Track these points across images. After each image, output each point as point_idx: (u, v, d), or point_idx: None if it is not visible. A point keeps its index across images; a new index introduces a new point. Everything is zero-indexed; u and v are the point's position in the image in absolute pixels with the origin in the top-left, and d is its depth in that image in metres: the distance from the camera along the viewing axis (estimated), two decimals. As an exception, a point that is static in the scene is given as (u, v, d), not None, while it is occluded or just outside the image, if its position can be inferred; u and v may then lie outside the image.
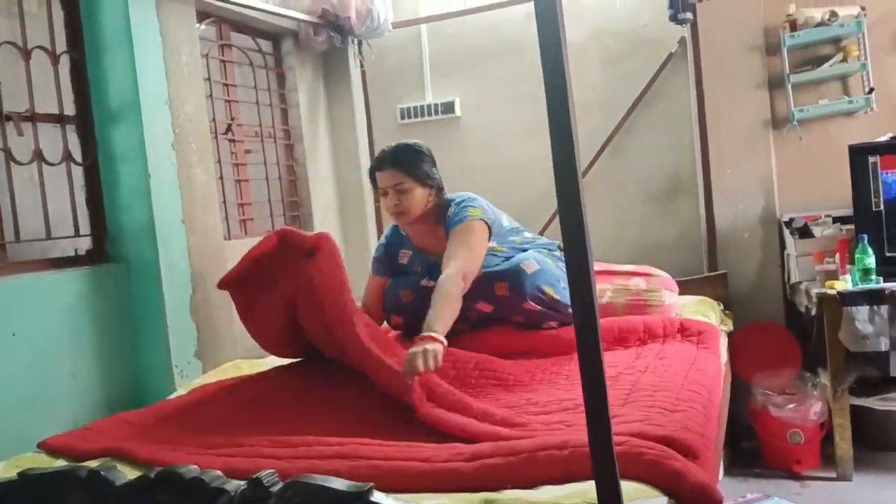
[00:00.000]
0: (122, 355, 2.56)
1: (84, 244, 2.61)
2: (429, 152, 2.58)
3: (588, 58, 3.68)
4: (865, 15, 3.26)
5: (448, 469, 1.48)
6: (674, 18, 3.23)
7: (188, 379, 2.62)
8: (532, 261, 2.50)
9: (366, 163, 4.02)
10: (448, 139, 3.97)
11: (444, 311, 2.16)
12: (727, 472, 3.07)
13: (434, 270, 2.52)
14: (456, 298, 2.24)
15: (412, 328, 2.41)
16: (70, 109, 2.57)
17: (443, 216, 2.54)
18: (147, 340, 2.61)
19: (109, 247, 2.63)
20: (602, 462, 1.05)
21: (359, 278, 3.96)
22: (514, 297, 2.45)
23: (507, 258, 2.53)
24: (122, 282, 2.58)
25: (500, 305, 2.48)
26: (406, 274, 2.67)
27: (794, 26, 3.34)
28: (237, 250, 3.10)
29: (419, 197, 2.51)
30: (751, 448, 3.26)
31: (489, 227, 2.49)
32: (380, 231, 4.08)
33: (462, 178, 3.94)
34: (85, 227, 2.60)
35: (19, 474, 1.53)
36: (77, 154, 2.57)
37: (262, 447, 1.76)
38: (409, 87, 4.06)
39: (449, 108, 3.95)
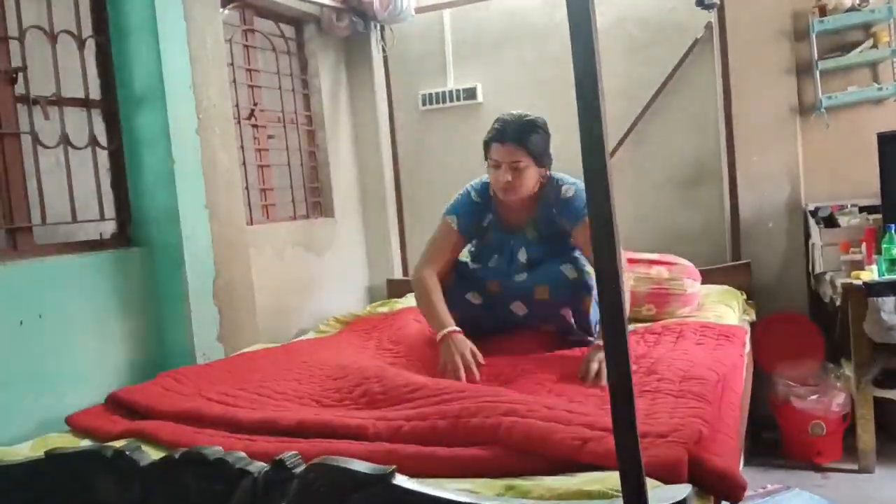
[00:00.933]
0: (146, 339, 2.58)
1: (108, 228, 2.63)
2: (545, 128, 2.43)
3: (613, 44, 3.64)
4: (897, 0, 3.20)
5: (468, 456, 1.49)
6: (700, 3, 3.18)
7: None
8: (572, 267, 2.44)
9: (387, 149, 4.03)
10: (470, 125, 3.95)
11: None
12: (748, 463, 3.05)
13: (495, 249, 2.55)
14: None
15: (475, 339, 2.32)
16: (96, 94, 2.59)
17: (547, 195, 2.46)
18: (170, 324, 2.63)
19: (133, 231, 2.66)
20: (627, 454, 1.04)
21: (378, 268, 4.00)
22: (553, 302, 2.41)
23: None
24: (146, 266, 2.61)
25: (536, 311, 2.45)
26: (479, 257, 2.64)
27: (823, 11, 3.28)
28: (259, 235, 3.14)
29: (533, 177, 2.41)
30: (772, 439, 3.24)
31: None
32: (400, 219, 4.08)
33: (484, 165, 3.94)
34: (110, 211, 2.62)
35: (46, 453, 1.56)
36: (102, 138, 2.59)
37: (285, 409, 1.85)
38: (431, 73, 4.05)
39: (471, 94, 3.93)
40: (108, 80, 2.62)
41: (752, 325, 3.13)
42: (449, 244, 2.56)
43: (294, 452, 1.32)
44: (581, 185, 2.38)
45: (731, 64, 3.40)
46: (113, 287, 2.47)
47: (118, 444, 1.58)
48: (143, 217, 2.65)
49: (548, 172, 2.47)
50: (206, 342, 2.67)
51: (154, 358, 2.60)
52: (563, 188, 2.45)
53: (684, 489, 1.20)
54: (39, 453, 1.61)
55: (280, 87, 3.54)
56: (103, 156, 2.61)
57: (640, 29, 3.63)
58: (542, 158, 2.40)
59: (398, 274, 4.03)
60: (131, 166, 2.65)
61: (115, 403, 2.08)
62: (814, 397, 3.06)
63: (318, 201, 3.76)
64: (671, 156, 3.63)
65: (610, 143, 3.57)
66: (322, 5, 3.58)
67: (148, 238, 2.64)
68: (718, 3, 3.23)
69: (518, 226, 2.54)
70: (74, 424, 1.98)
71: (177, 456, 1.40)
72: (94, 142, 2.55)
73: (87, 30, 2.57)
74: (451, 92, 3.96)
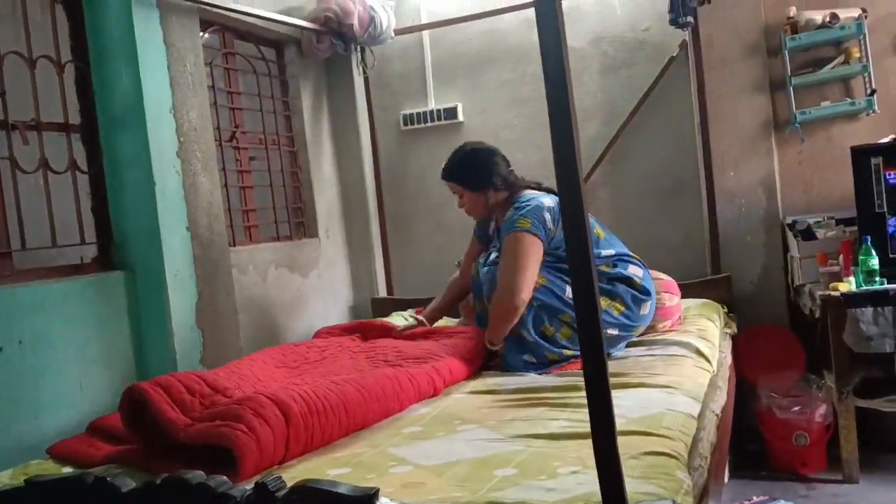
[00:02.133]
0: (128, 363, 2.57)
1: (89, 252, 2.63)
2: (482, 155, 2.77)
3: (589, 63, 3.69)
4: (866, 17, 3.27)
5: None
6: (674, 22, 3.24)
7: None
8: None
9: (369, 169, 4.05)
10: (451, 145, 3.91)
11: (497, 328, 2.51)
12: (733, 475, 3.07)
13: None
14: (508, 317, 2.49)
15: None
16: (75, 118, 2.59)
17: (508, 209, 2.68)
18: (152, 348, 2.62)
19: (115, 254, 2.65)
20: (608, 469, 1.05)
21: (362, 287, 4.01)
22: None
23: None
24: (128, 289, 2.60)
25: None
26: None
27: (795, 29, 3.34)
28: (242, 257, 3.14)
29: (477, 201, 2.76)
30: (757, 451, 3.25)
31: (542, 238, 2.56)
32: (384, 238, 4.10)
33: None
34: (90, 234, 2.61)
35: (26, 481, 1.54)
36: (82, 162, 2.59)
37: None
38: (411, 94, 4.08)
39: (451, 113, 3.96)
40: (88, 104, 2.62)
41: (734, 337, 3.16)
42: (472, 250, 3.05)
43: (277, 476, 1.32)
44: (526, 202, 2.61)
45: (707, 81, 3.45)
46: (94, 311, 2.46)
47: (99, 470, 1.57)
48: (125, 240, 2.64)
49: (504, 188, 2.74)
50: (189, 365, 2.65)
51: (135, 382, 2.57)
52: (514, 206, 2.65)
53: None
54: (19, 481, 1.59)
55: (261, 109, 3.55)
56: (83, 180, 2.61)
57: (616, 48, 3.68)
58: (473, 184, 2.76)
59: (382, 293, 4.04)
60: (112, 190, 2.65)
61: (97, 431, 2.06)
62: (796, 408, 3.09)
63: (301, 222, 3.76)
64: (650, 171, 3.67)
65: (590, 159, 3.66)
66: (302, 28, 3.61)
67: (129, 261, 2.63)
68: (692, 21, 3.29)
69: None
70: (55, 453, 1.95)
71: (158, 482, 1.39)
72: (73, 166, 2.55)
73: (66, 54, 2.57)
74: (431, 112, 3.99)
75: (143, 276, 2.62)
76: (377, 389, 2.02)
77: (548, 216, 2.58)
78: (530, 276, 2.49)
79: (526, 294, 2.47)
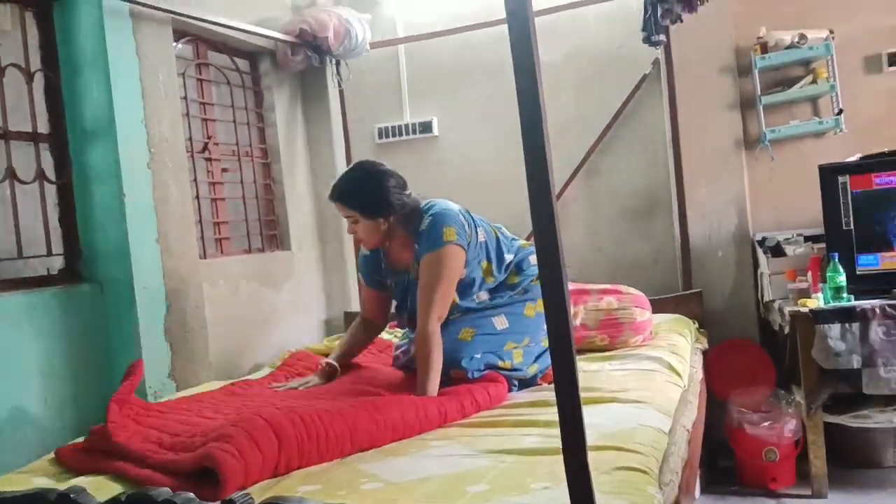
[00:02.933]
0: (94, 377, 2.52)
1: (56, 264, 2.58)
2: (377, 176, 2.40)
3: (563, 79, 3.73)
4: (833, 38, 3.34)
5: None
6: (647, 40, 3.28)
7: (162, 401, 2.59)
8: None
9: (343, 182, 4.03)
10: (426, 158, 3.99)
11: (425, 379, 2.21)
12: (704, 490, 3.09)
13: (399, 292, 2.55)
14: (431, 361, 2.23)
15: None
16: (44, 128, 2.55)
17: (413, 228, 2.41)
18: (120, 362, 2.56)
19: (82, 267, 2.60)
20: (579, 485, 1.05)
21: (336, 301, 3.98)
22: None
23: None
24: (95, 302, 2.55)
25: None
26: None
27: (764, 48, 3.41)
28: (213, 269, 3.10)
29: (370, 227, 2.40)
30: (728, 466, 3.27)
31: (465, 249, 2.35)
32: (356, 252, 4.07)
33: (440, 197, 3.96)
34: (58, 246, 2.56)
35: (-14, 498, 1.50)
36: (51, 172, 2.55)
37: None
38: (387, 107, 4.08)
39: (427, 127, 3.97)
40: (58, 113, 2.58)
41: (705, 353, 3.19)
42: (366, 297, 2.71)
43: (244, 492, 1.30)
44: (439, 211, 2.36)
45: (679, 98, 3.50)
46: (60, 324, 2.41)
47: (64, 486, 1.53)
48: (93, 252, 2.60)
49: (399, 213, 2.41)
50: (158, 379, 2.61)
51: (103, 397, 2.52)
52: (424, 221, 2.38)
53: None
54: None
55: (235, 121, 3.52)
56: (52, 190, 2.56)
57: (590, 65, 3.72)
58: (367, 210, 2.38)
59: (355, 307, 4.01)
60: (81, 201, 2.60)
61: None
62: (766, 423, 3.12)
63: (273, 234, 3.73)
64: (623, 187, 3.70)
65: (562, 176, 3.68)
66: (277, 40, 3.60)
67: (97, 274, 2.59)
68: (665, 40, 3.33)
69: (404, 268, 2.52)
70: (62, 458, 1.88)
71: (123, 499, 1.36)
72: (41, 176, 2.51)
73: (36, 63, 2.54)
74: (407, 125, 4.00)
75: (111, 288, 2.57)
76: (395, 417, 1.93)
77: (464, 221, 2.39)
78: (449, 297, 2.33)
79: (441, 317, 2.30)
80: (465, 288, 2.42)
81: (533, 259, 2.52)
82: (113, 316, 2.57)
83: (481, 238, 2.45)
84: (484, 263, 2.45)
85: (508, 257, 2.51)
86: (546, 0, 3.61)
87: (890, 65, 3.37)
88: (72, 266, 2.59)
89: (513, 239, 2.61)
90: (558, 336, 1.01)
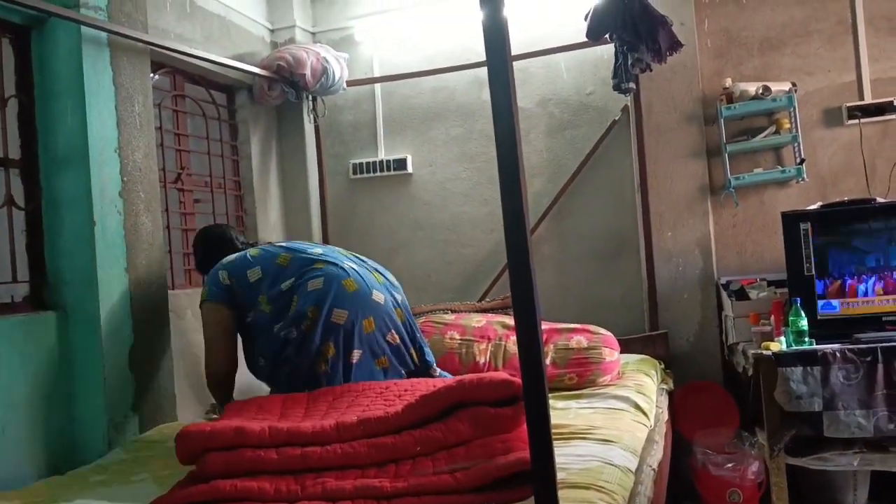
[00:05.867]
0: (56, 408, 2.46)
1: (21, 290, 2.53)
2: (199, 241, 2.95)
3: (535, 124, 3.81)
4: (796, 90, 3.47)
5: None
6: (617, 88, 3.37)
7: (124, 434, 2.54)
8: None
9: (317, 215, 4.05)
10: (400, 195, 4.03)
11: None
12: (669, 532, 3.08)
13: None
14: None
15: None
16: (15, 153, 2.53)
17: None
18: (83, 392, 2.52)
19: (48, 294, 2.56)
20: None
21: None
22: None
23: None
24: (60, 331, 2.51)
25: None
26: None
27: (730, 99, 3.52)
28: (181, 300, 3.07)
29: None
30: (692, 508, 3.29)
31: (223, 298, 2.58)
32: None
33: (413, 234, 4.00)
34: (24, 273, 2.53)
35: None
36: (20, 198, 2.52)
37: None
38: (362, 143, 4.12)
39: (401, 164, 4.01)
40: (30, 139, 2.57)
41: (670, 393, 3.22)
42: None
43: None
44: (216, 267, 2.64)
45: (646, 145, 3.59)
46: (23, 352, 2.36)
47: None
48: (59, 280, 2.56)
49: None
50: (121, 411, 2.56)
51: (64, 428, 2.48)
52: None
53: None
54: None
55: (209, 153, 3.53)
56: (20, 216, 2.53)
57: (561, 110, 3.81)
58: (199, 267, 2.92)
59: (324, 342, 3.98)
60: (49, 228, 2.57)
61: None
62: (730, 465, 3.14)
63: (243, 267, 3.71)
64: (592, 229, 3.77)
65: (532, 218, 3.73)
66: (254, 74, 3.63)
67: (62, 302, 2.55)
68: (634, 88, 3.42)
69: None
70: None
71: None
72: (10, 201, 2.48)
73: (11, 89, 2.53)
74: (381, 162, 4.04)
75: (77, 317, 2.53)
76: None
77: (222, 273, 2.60)
78: (217, 347, 2.58)
79: (221, 366, 2.58)
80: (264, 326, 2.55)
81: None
82: (77, 345, 2.52)
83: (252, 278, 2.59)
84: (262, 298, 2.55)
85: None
86: (520, 46, 3.70)
87: (849, 118, 3.50)
88: (37, 293, 2.55)
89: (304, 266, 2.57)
90: (530, 367, 1.03)
